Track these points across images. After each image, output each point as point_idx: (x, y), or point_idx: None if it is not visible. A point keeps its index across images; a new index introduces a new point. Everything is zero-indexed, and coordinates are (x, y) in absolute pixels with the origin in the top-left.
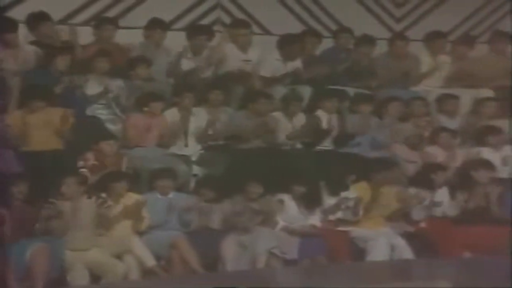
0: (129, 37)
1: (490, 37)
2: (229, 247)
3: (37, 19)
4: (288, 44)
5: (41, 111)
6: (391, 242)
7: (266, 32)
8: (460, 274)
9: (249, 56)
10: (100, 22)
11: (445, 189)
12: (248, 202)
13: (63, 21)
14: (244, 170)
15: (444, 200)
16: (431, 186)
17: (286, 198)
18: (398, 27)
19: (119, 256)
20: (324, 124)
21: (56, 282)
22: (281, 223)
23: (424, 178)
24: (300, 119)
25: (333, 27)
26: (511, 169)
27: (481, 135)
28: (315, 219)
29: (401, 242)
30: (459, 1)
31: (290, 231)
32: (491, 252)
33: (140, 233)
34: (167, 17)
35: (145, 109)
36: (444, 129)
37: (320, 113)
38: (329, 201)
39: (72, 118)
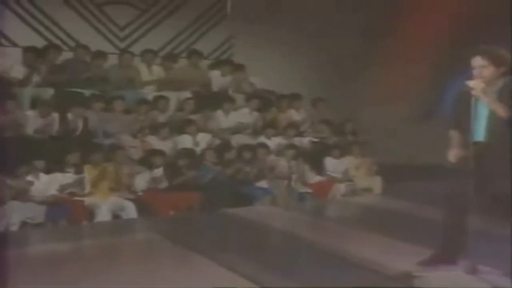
0: None
1: (188, 54)
2: None
3: None
4: (31, 54)
5: None
6: (119, 207)
7: (14, 44)
8: (167, 227)
9: None
10: None
11: (161, 169)
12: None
13: None
14: None
15: (160, 176)
16: (151, 166)
17: (32, 177)
18: (122, 45)
19: None
20: (71, 124)
21: None
22: (30, 195)
23: (147, 160)
24: (53, 117)
25: (71, 43)
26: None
27: (182, 126)
28: (55, 191)
29: (129, 206)
30: (166, 27)
31: (37, 201)
32: (187, 210)
33: None
34: None
35: None
36: (158, 123)
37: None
38: (63, 177)
39: None
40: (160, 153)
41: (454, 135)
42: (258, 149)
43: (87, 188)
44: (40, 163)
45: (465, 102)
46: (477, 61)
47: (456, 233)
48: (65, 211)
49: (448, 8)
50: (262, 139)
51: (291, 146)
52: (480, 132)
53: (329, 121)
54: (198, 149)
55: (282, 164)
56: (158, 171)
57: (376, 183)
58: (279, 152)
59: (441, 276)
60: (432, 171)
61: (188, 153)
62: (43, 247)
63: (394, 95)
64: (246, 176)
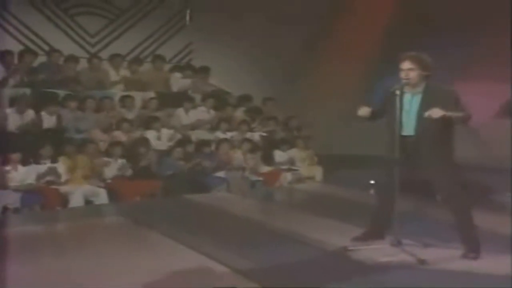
0: None
1: (152, 58)
2: None
3: None
4: (7, 58)
5: None
6: (93, 193)
7: None
8: (133, 212)
9: None
10: None
11: (123, 160)
12: None
13: None
14: None
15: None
16: (112, 156)
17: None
18: (93, 50)
19: None
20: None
21: None
22: (9, 184)
23: (110, 151)
24: (29, 115)
25: (46, 47)
26: (165, 143)
27: (148, 122)
28: (32, 180)
29: (101, 193)
30: (132, 34)
31: (14, 189)
32: (151, 196)
33: None
34: None
35: None
36: (125, 119)
37: (43, 113)
38: (39, 168)
39: None
40: (119, 143)
41: None
42: (220, 143)
43: (63, 177)
44: (17, 156)
45: (393, 100)
46: (406, 65)
47: (384, 213)
48: (39, 198)
49: (381, 18)
50: (218, 134)
51: (247, 140)
52: (408, 127)
53: (277, 117)
54: (161, 143)
55: (238, 156)
56: (122, 161)
57: (318, 172)
58: (234, 145)
59: (372, 249)
60: (365, 161)
61: (142, 142)
62: (25, 229)
63: (333, 94)
64: (205, 168)
